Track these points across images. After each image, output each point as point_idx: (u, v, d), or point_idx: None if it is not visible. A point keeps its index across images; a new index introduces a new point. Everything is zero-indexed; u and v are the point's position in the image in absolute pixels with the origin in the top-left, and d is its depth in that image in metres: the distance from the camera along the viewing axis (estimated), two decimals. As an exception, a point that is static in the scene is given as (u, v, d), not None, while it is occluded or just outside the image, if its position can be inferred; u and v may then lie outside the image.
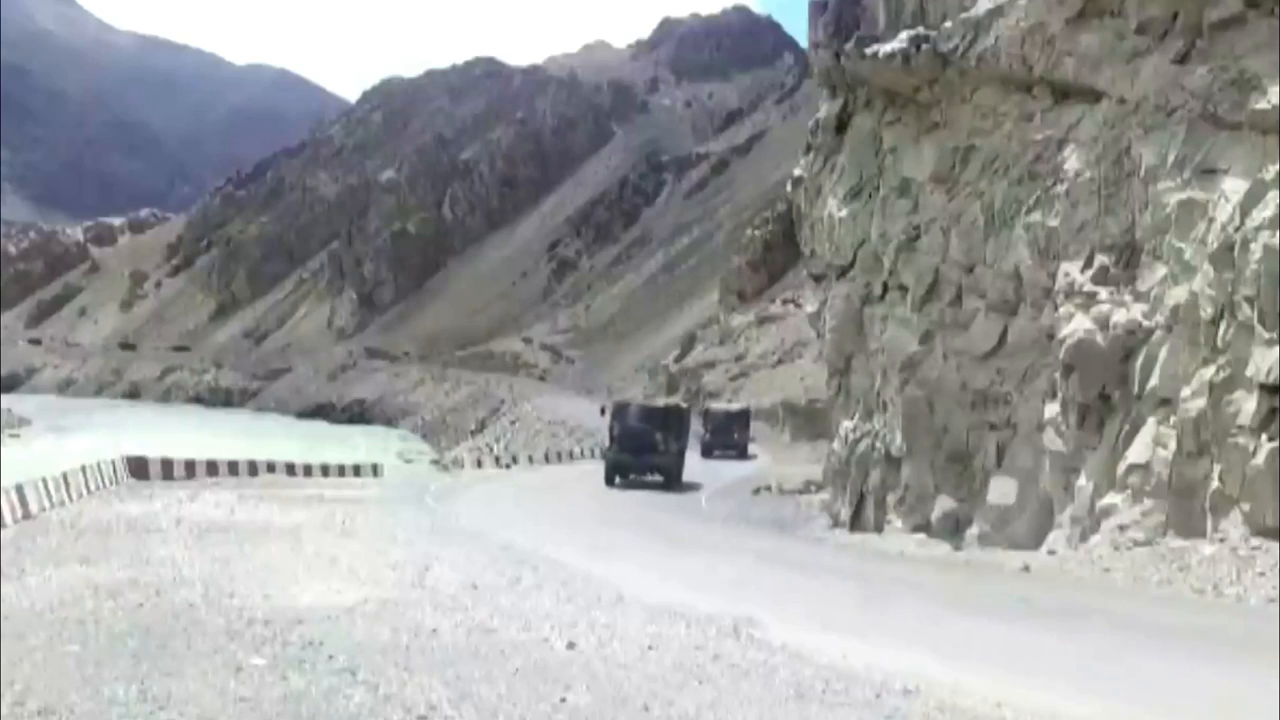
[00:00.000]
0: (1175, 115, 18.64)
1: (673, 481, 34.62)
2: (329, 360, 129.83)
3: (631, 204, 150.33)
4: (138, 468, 31.04)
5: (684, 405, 46.29)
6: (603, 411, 39.96)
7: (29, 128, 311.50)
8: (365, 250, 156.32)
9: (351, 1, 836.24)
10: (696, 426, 47.56)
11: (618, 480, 34.36)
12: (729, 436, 51.37)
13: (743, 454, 50.49)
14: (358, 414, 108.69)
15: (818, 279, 30.02)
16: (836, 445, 27.91)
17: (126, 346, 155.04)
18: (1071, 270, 20.15)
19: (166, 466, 32.17)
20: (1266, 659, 10.10)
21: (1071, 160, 20.75)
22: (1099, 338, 19.13)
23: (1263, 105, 17.07)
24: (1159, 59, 19.36)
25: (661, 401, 49.02)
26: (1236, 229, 16.62)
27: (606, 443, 36.36)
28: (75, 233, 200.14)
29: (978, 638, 11.48)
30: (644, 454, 34.31)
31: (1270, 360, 15.72)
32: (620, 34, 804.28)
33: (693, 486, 34.45)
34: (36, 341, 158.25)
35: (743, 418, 54.00)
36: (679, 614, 11.70)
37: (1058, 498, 20.20)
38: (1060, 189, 20.82)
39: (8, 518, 19.44)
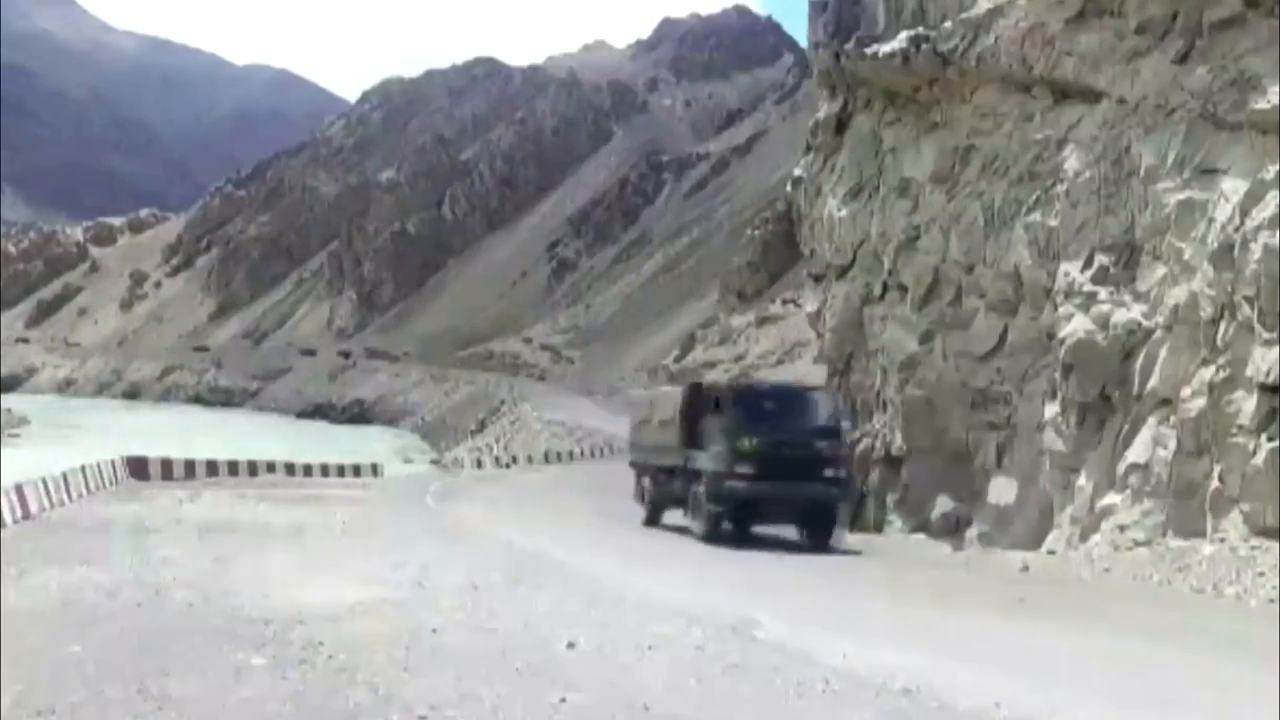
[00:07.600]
0: (1175, 115, 18.64)
1: None
2: (329, 360, 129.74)
3: (631, 204, 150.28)
4: (137, 468, 30.93)
5: None
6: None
7: (29, 128, 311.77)
8: (365, 250, 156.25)
9: (351, 1, 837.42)
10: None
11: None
12: None
13: None
14: (358, 414, 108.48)
15: (818, 279, 30.00)
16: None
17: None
18: (1071, 270, 20.15)
19: (166, 467, 32.07)
20: (1266, 659, 10.10)
21: (1071, 160, 20.73)
22: (1099, 338, 19.14)
23: (1263, 105, 17.07)
24: (1159, 59, 19.35)
25: None
26: (1236, 229, 16.63)
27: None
28: (75, 233, 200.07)
29: (978, 638, 11.47)
30: None
31: (1270, 360, 15.72)
32: (620, 34, 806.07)
33: None
34: (25, 340, 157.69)
35: None
36: (679, 614, 11.68)
37: (1058, 498, 20.20)
38: (1060, 189, 20.82)
39: (8, 518, 19.36)
